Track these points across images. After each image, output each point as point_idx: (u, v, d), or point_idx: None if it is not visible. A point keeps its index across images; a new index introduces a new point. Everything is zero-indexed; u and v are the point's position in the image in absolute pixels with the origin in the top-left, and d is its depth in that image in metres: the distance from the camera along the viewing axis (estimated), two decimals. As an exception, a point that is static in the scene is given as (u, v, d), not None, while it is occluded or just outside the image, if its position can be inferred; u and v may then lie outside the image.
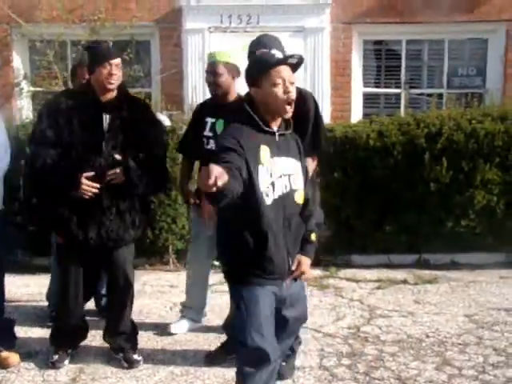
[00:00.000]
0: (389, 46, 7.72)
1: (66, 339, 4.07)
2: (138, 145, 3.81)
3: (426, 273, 6.00)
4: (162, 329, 4.58)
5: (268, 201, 2.75)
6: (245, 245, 2.80)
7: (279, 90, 2.79)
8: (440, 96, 7.50)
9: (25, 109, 7.25)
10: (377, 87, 7.68)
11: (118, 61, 3.77)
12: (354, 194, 6.26)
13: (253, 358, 2.80)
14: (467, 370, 3.91)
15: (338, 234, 6.30)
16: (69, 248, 3.86)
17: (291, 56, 2.85)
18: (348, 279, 5.91)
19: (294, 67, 2.87)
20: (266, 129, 2.83)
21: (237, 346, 2.93)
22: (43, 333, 4.27)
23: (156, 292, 5.50)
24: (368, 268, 6.14)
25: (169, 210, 6.07)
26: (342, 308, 5.09)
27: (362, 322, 4.74)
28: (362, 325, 4.69)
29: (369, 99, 7.67)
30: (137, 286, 5.51)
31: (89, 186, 3.68)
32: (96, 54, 3.79)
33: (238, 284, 2.89)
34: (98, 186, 3.69)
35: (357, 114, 7.42)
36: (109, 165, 3.73)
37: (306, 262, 2.99)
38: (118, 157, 3.75)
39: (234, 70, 4.09)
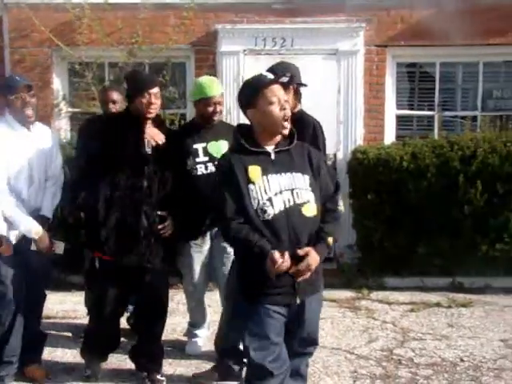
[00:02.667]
0: (422, 68, 7.72)
1: (96, 351, 4.14)
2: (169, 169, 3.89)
3: (460, 296, 5.94)
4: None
5: (267, 216, 2.86)
6: (245, 264, 2.96)
7: (275, 108, 2.91)
8: (474, 118, 7.45)
9: (63, 129, 7.43)
10: (410, 109, 7.67)
11: (156, 89, 3.82)
12: (387, 216, 6.25)
13: (257, 374, 2.95)
14: (503, 395, 3.86)
15: (370, 256, 6.28)
16: (105, 269, 3.87)
17: (283, 75, 2.99)
18: (381, 301, 5.88)
19: (286, 86, 3.02)
20: (257, 150, 2.96)
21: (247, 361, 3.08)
22: (79, 349, 4.33)
23: (189, 311, 5.53)
24: (401, 290, 6.10)
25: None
26: (375, 330, 5.06)
27: (395, 345, 4.71)
28: (395, 347, 4.66)
29: (402, 121, 7.66)
30: (171, 305, 5.56)
31: None
32: (136, 83, 3.84)
33: (244, 302, 2.98)
34: None
35: (390, 136, 7.41)
36: (149, 186, 3.80)
37: (314, 255, 2.91)
38: (160, 213, 3.85)
39: None
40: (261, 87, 2.94)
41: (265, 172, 2.92)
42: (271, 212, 2.87)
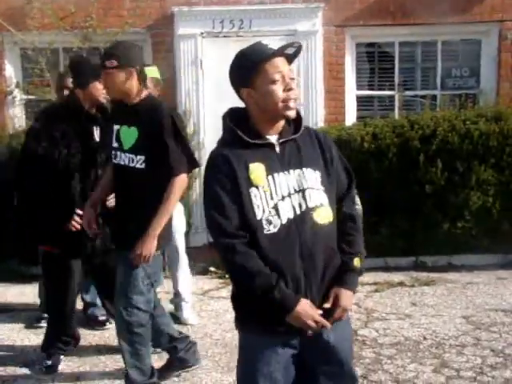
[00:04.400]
0: (382, 48, 7.71)
1: (59, 347, 4.09)
2: None
3: (423, 275, 5.99)
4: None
5: (272, 228, 2.22)
6: (247, 293, 2.28)
7: (279, 88, 2.25)
8: (434, 97, 7.48)
9: (17, 117, 7.24)
10: (370, 90, 7.66)
11: None
12: (350, 197, 6.24)
13: None
14: (465, 371, 3.90)
15: (333, 238, 6.27)
16: (62, 258, 3.83)
17: (290, 45, 2.28)
18: (345, 282, 5.88)
19: (291, 59, 2.33)
20: (258, 142, 2.28)
21: None
22: (39, 341, 4.24)
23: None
24: (365, 271, 6.11)
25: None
26: (339, 311, 5.06)
27: (359, 325, 4.72)
28: (359, 328, 4.67)
29: (362, 102, 7.65)
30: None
31: (77, 223, 3.69)
32: (90, 67, 3.74)
33: (240, 331, 2.42)
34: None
35: (351, 117, 7.40)
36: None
37: (345, 295, 2.33)
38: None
39: None
40: (260, 60, 2.24)
41: (269, 170, 2.26)
42: (277, 222, 2.23)
